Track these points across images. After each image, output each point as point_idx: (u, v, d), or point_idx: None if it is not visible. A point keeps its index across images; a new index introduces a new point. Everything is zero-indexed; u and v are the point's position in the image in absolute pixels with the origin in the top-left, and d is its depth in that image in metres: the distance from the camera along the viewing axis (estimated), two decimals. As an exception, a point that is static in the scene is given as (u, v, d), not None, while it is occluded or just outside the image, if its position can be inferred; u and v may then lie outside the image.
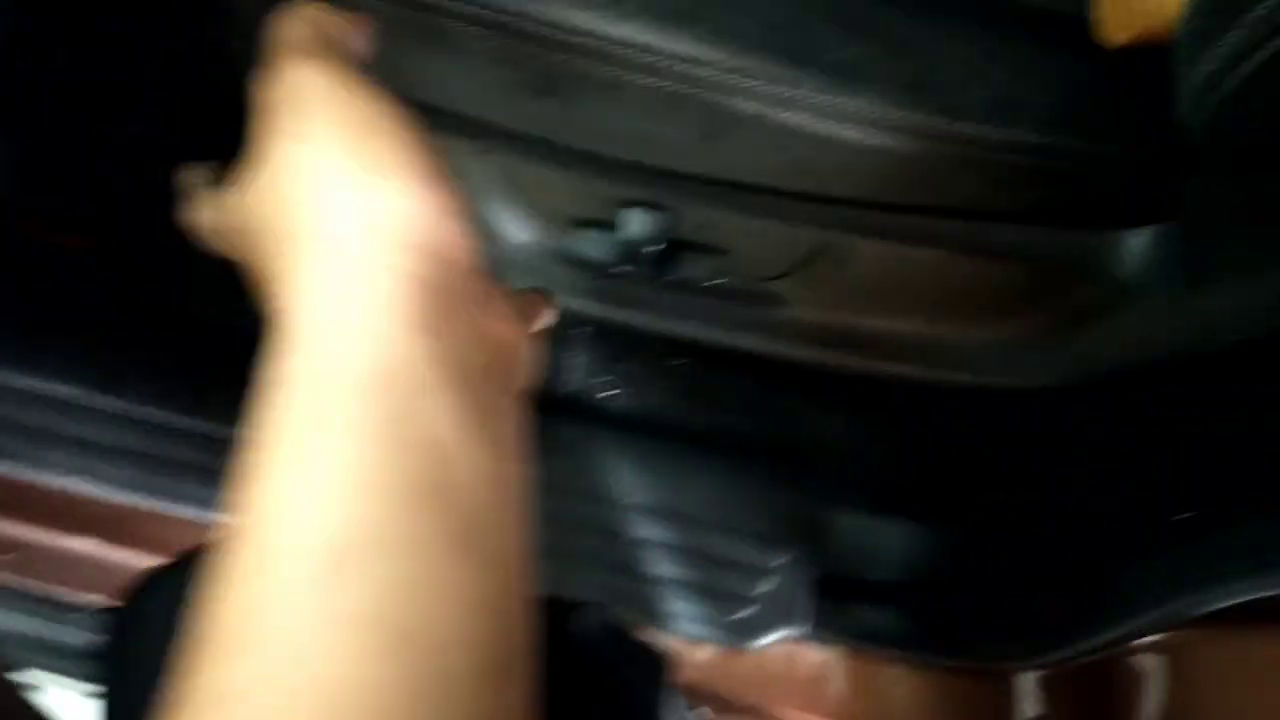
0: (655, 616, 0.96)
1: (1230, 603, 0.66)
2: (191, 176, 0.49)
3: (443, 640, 0.30)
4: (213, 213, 0.44)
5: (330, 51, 0.38)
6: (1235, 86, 0.44)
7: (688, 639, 0.98)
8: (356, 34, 0.42)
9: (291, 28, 0.40)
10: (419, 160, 0.36)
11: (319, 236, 0.35)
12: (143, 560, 1.02)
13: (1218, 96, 0.45)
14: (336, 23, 0.41)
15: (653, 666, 0.80)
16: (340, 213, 0.35)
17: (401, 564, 0.30)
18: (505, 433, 0.37)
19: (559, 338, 1.09)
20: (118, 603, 1.02)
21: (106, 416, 0.96)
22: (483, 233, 0.81)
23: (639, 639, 0.82)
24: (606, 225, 0.74)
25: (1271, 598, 0.64)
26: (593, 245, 0.76)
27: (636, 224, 0.72)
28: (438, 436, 0.33)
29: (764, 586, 0.97)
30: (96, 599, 1.04)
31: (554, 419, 1.02)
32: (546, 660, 0.35)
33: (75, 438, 0.96)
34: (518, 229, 0.80)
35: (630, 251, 0.74)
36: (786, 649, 0.99)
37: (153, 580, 0.62)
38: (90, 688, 1.03)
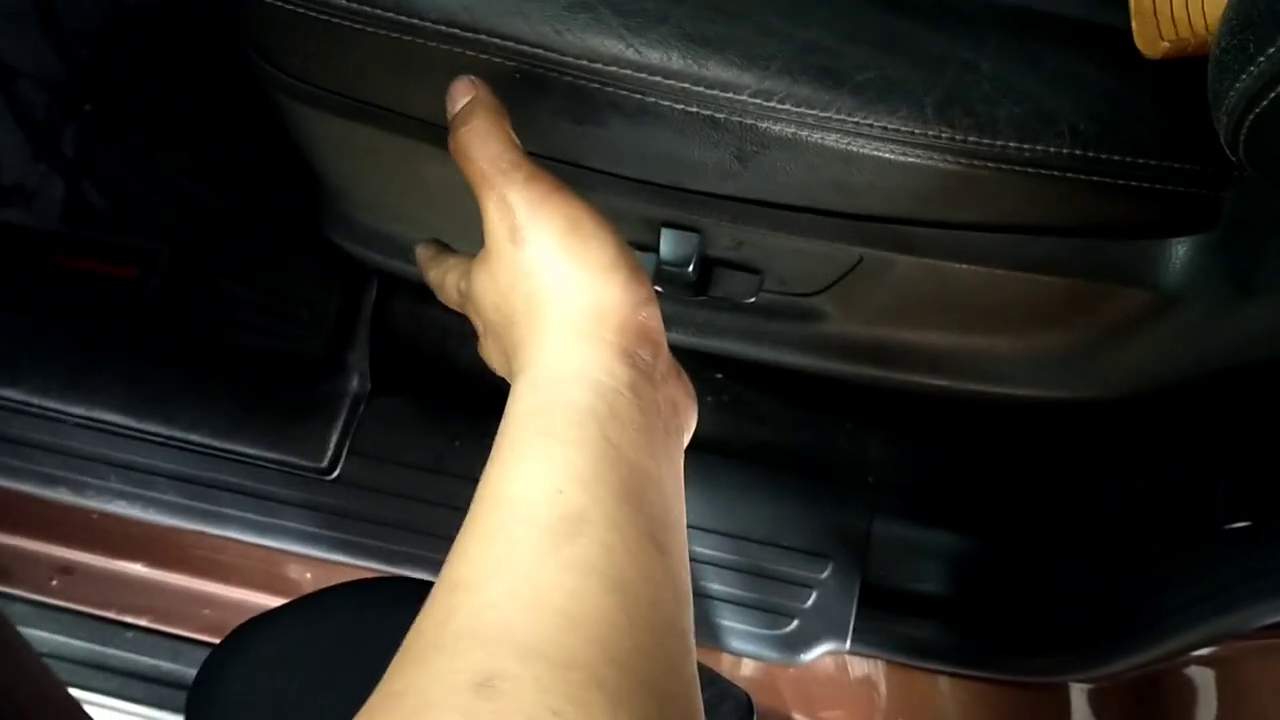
0: (703, 633, 0.96)
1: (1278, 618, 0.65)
2: (424, 250, 0.62)
3: (649, 595, 0.37)
4: (451, 286, 0.56)
5: (527, 164, 0.49)
6: (1270, 107, 0.43)
7: (734, 654, 0.98)
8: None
9: (486, 148, 0.49)
10: (623, 257, 0.47)
11: (549, 317, 0.46)
12: (190, 583, 1.03)
13: (1254, 115, 0.44)
14: (512, 141, 0.50)
15: (739, 705, 0.80)
16: (568, 298, 0.46)
17: (615, 538, 0.38)
18: (679, 469, 0.47)
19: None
20: (168, 626, 1.05)
21: (154, 442, 0.98)
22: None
23: (724, 678, 0.82)
24: (644, 247, 0.74)
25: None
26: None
27: (672, 245, 0.72)
28: (639, 460, 0.42)
29: (807, 600, 0.96)
30: (144, 621, 1.06)
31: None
32: None
33: (123, 463, 0.97)
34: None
35: (668, 272, 0.74)
36: (832, 663, 0.99)
37: (258, 624, 0.63)
38: (140, 709, 1.04)
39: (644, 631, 0.36)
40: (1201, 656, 0.79)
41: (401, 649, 0.35)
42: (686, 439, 0.50)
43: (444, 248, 0.62)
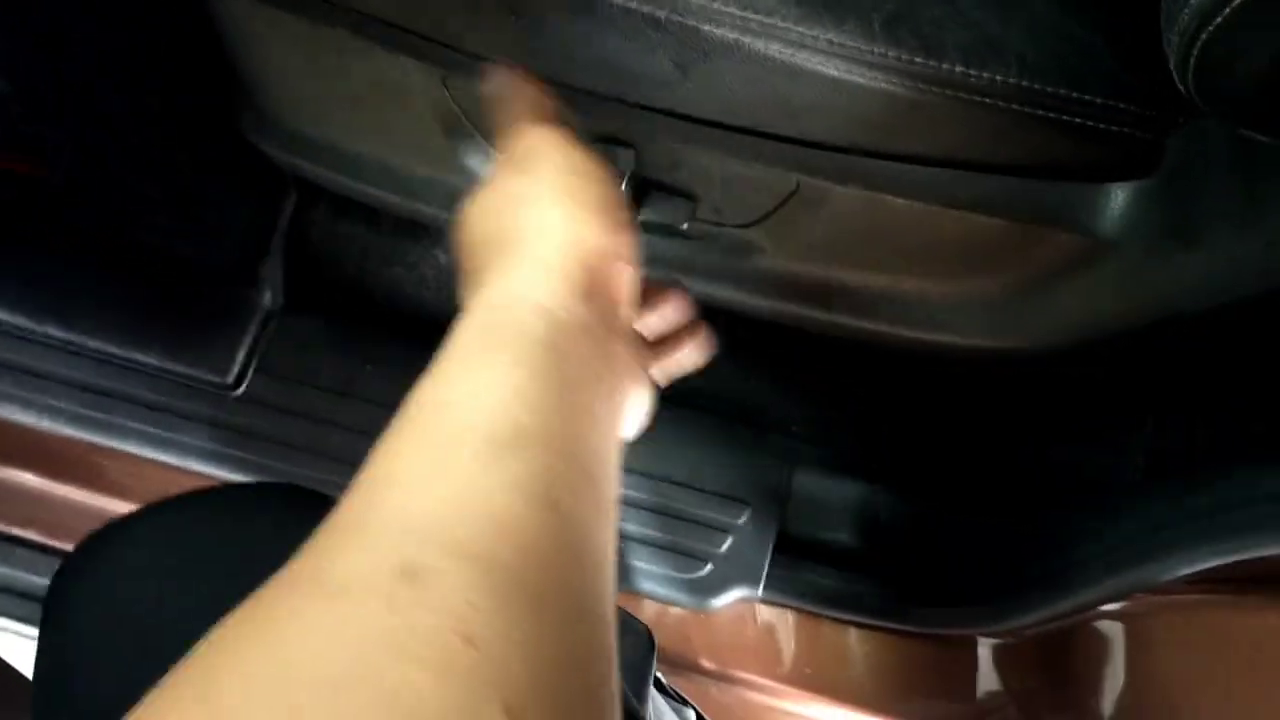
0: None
1: (1189, 570, 0.65)
2: None
3: (581, 519, 0.37)
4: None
5: (553, 118, 0.53)
6: (1223, 25, 0.42)
7: (644, 596, 0.96)
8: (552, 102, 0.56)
9: (521, 97, 0.55)
10: (613, 206, 0.49)
11: (525, 243, 0.47)
12: (83, 496, 0.99)
13: (1205, 35, 0.43)
14: (546, 96, 0.56)
15: (640, 639, 0.78)
16: (548, 232, 0.47)
17: (555, 461, 0.37)
18: (616, 429, 0.47)
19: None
20: (56, 541, 1.00)
21: (49, 345, 0.93)
22: (449, 165, 0.78)
23: (625, 610, 0.80)
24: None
25: (1235, 564, 0.63)
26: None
27: (606, 159, 0.69)
28: (581, 398, 0.42)
29: (723, 545, 0.95)
30: (36, 536, 1.01)
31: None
32: None
33: (15, 365, 0.92)
34: (484, 164, 0.77)
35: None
36: (742, 610, 0.98)
37: (112, 530, 0.59)
38: (23, 628, 1.00)
39: (571, 552, 0.36)
40: (1110, 611, 0.79)
41: (315, 536, 0.34)
42: (627, 413, 0.52)
43: None
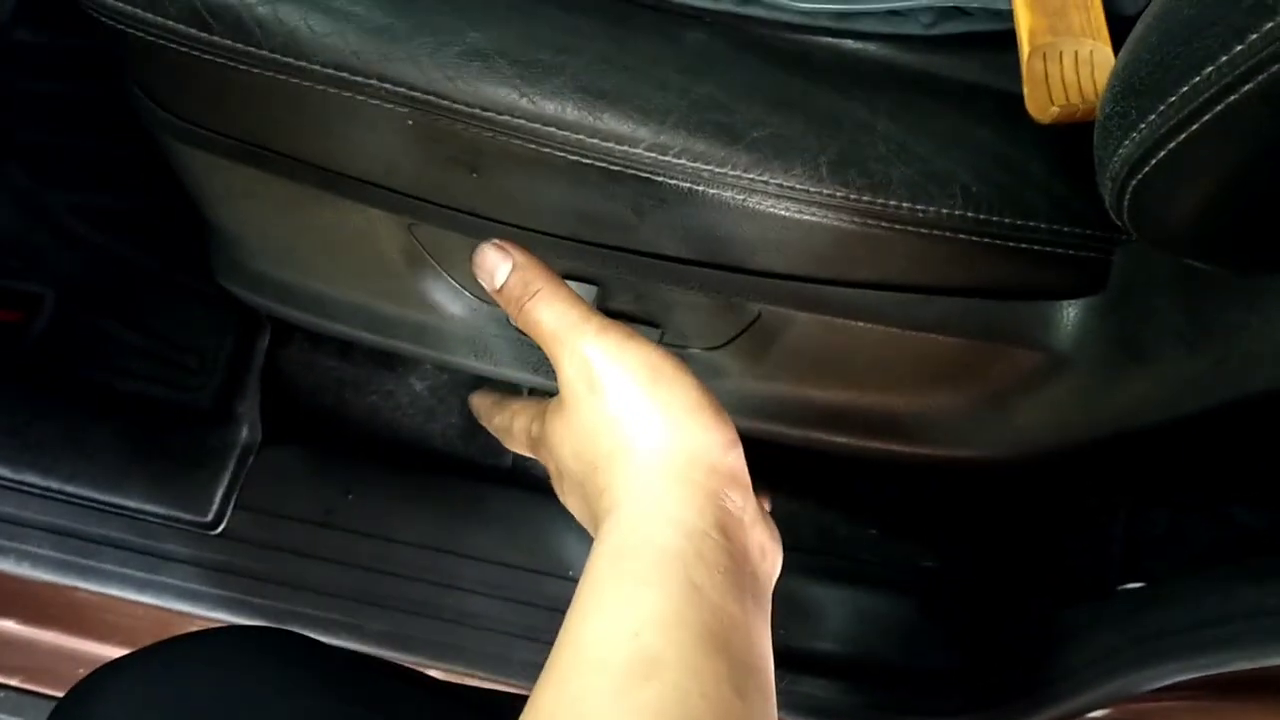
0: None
1: (1173, 680, 0.65)
2: (483, 399, 0.65)
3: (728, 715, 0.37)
4: (521, 430, 0.58)
5: (596, 316, 0.50)
6: (1152, 173, 0.44)
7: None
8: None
9: (552, 309, 0.51)
10: (706, 399, 0.48)
11: (635, 461, 0.46)
12: (67, 641, 0.98)
13: (1135, 181, 0.45)
14: (566, 289, 0.52)
15: None
16: (652, 445, 0.46)
17: (691, 682, 0.37)
18: (767, 613, 0.46)
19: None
20: (41, 687, 0.99)
21: (29, 493, 0.93)
22: (418, 303, 0.79)
23: None
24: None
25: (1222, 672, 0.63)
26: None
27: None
28: (724, 604, 0.41)
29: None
30: (16, 681, 1.00)
31: (496, 489, 1.01)
32: None
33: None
34: (453, 301, 0.79)
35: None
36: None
37: (106, 674, 0.59)
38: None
39: None
40: (1094, 719, 0.79)
41: None
42: (773, 584, 0.50)
43: (503, 395, 0.64)
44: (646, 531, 0.43)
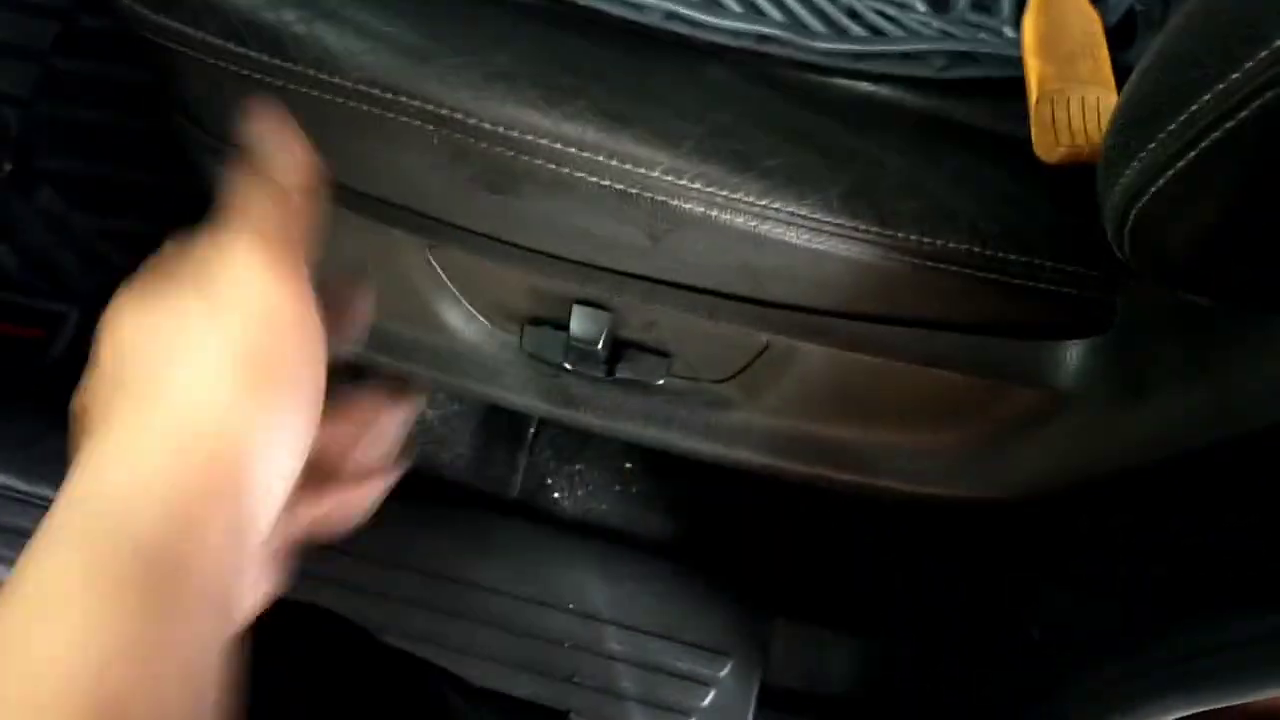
0: (596, 727, 0.94)
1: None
2: None
3: None
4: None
5: (276, 235, 0.40)
6: (1151, 201, 0.45)
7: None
8: (305, 224, 0.44)
9: (251, 200, 0.42)
10: (312, 386, 0.39)
11: (160, 400, 0.36)
12: None
13: (1136, 209, 0.46)
14: (291, 212, 0.42)
15: None
16: (196, 391, 0.36)
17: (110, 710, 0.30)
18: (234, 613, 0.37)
19: (512, 436, 1.09)
20: None
21: (45, 508, 0.94)
22: (434, 327, 0.81)
23: None
24: (556, 323, 0.75)
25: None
26: (543, 343, 0.76)
27: (583, 322, 0.72)
28: (182, 600, 0.33)
29: (705, 699, 0.95)
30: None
31: (503, 520, 1.01)
32: None
33: (11, 527, 0.94)
34: (467, 325, 0.80)
35: (578, 349, 0.74)
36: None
37: None
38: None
39: None
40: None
41: None
42: (235, 618, 0.38)
43: None
44: (115, 508, 0.35)
